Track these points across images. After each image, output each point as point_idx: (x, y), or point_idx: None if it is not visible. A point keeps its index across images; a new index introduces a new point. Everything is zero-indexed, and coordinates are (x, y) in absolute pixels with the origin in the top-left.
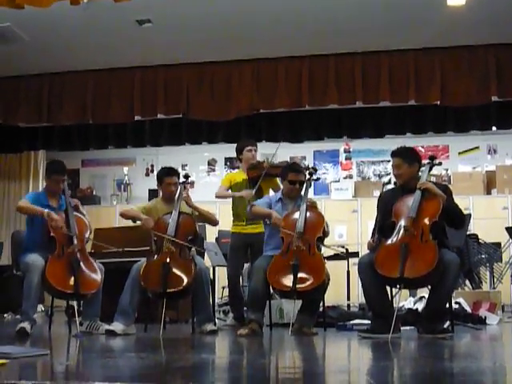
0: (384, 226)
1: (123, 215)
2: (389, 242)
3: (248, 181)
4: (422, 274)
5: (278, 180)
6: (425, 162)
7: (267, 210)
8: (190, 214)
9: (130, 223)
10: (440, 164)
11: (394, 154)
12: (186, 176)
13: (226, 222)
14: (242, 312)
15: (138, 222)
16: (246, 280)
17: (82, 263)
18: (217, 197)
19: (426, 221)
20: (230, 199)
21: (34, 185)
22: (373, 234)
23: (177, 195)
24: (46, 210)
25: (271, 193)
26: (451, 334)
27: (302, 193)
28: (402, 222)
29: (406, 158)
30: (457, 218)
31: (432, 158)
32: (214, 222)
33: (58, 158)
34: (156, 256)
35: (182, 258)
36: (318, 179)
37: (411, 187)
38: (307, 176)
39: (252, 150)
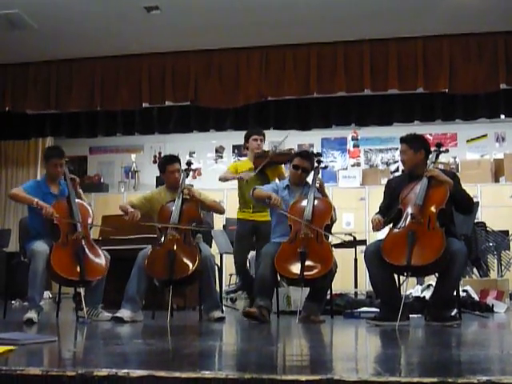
0: (391, 214)
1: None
2: (396, 229)
3: (254, 170)
4: (429, 262)
5: (284, 168)
6: (431, 149)
7: (268, 191)
8: (193, 201)
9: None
10: (447, 151)
11: (402, 140)
12: (189, 163)
13: (234, 209)
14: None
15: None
16: (252, 268)
17: (86, 250)
18: (220, 179)
19: (433, 208)
20: (237, 186)
21: (42, 172)
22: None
23: (180, 182)
24: (36, 199)
25: (277, 181)
26: (459, 321)
27: (310, 181)
28: (409, 210)
29: (412, 144)
30: (465, 204)
31: (439, 145)
32: (221, 211)
33: (66, 145)
34: (161, 243)
35: (187, 244)
36: (325, 167)
37: (418, 174)
38: (315, 164)
39: (258, 140)
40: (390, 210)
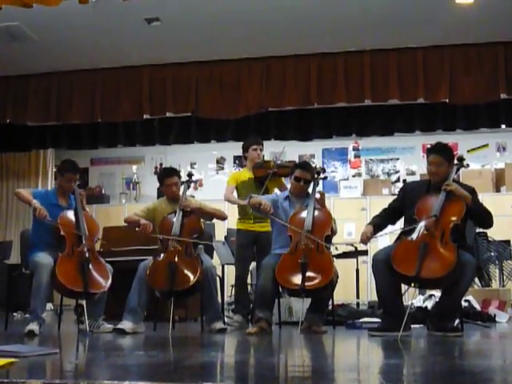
0: (392, 219)
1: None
2: (409, 238)
3: (254, 180)
4: (439, 276)
5: (284, 180)
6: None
7: (259, 198)
8: (194, 213)
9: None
10: (468, 166)
11: (436, 150)
12: (190, 175)
13: (235, 220)
14: (248, 310)
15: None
16: (253, 278)
17: (91, 262)
18: (225, 200)
19: (448, 223)
20: (236, 196)
21: (43, 183)
22: (372, 219)
23: (180, 194)
24: (34, 201)
25: (277, 192)
26: (461, 332)
27: (310, 191)
28: (424, 221)
29: (447, 156)
30: (484, 218)
31: (461, 158)
32: (222, 217)
33: (67, 157)
34: (162, 255)
35: (188, 256)
36: (325, 178)
37: (438, 186)
38: (315, 175)
39: (257, 149)
40: (395, 214)
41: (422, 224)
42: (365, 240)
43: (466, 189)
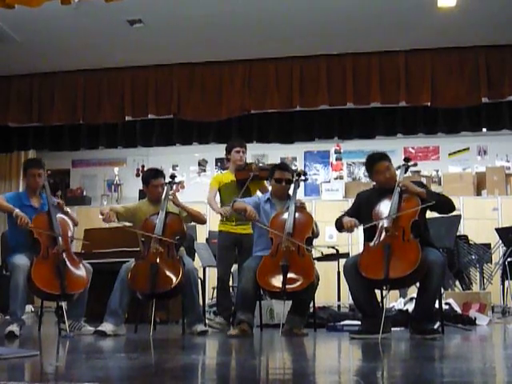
0: (365, 230)
1: None
2: (371, 244)
3: (236, 182)
4: (407, 273)
5: (266, 182)
6: (400, 163)
7: (244, 204)
8: (177, 214)
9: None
10: (415, 165)
11: (382, 157)
12: (173, 176)
13: (217, 222)
14: (230, 312)
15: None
16: (235, 281)
17: (67, 263)
18: (207, 202)
19: (406, 220)
20: (219, 199)
21: (24, 185)
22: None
23: (163, 195)
24: (16, 210)
25: (258, 194)
26: (441, 334)
27: (291, 193)
28: (383, 224)
29: (390, 160)
30: (443, 206)
31: (407, 159)
32: (202, 221)
33: (49, 158)
34: (144, 257)
35: (170, 258)
36: (306, 180)
37: (387, 189)
38: (295, 177)
39: (240, 152)
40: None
41: (381, 226)
42: (352, 226)
43: (415, 184)
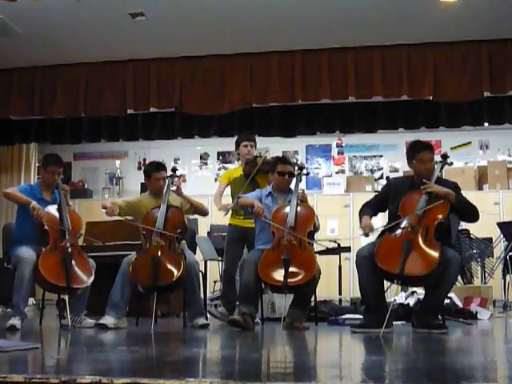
0: (389, 215)
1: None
2: (392, 235)
3: (244, 176)
4: (422, 274)
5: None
6: (437, 160)
7: (251, 199)
8: (178, 207)
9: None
10: (451, 164)
11: (428, 147)
12: (174, 169)
13: (219, 216)
14: (234, 305)
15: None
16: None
17: (74, 258)
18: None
19: (432, 221)
20: (230, 193)
21: (26, 178)
22: (365, 211)
23: (165, 189)
24: (34, 202)
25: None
26: (446, 329)
27: (293, 187)
28: (408, 218)
29: (434, 152)
30: (469, 213)
31: (445, 156)
32: (205, 213)
33: (50, 151)
34: (145, 250)
35: (172, 251)
36: (307, 174)
37: (420, 182)
38: (297, 170)
39: (248, 146)
40: (379, 206)
41: (405, 221)
42: (369, 231)
43: (448, 185)
